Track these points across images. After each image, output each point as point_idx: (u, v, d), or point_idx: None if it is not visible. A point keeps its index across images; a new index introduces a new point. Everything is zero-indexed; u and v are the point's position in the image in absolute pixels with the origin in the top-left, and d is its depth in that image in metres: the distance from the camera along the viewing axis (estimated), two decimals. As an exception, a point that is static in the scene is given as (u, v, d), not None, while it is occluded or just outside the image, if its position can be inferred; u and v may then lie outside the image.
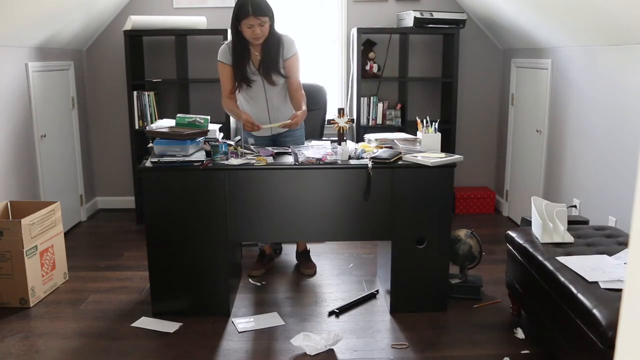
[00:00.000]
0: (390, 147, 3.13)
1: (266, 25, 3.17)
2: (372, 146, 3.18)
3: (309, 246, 3.90)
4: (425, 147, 3.15)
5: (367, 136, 3.36)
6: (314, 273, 3.68)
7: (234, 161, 2.96)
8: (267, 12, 3.16)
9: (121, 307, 3.21)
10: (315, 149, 3.13)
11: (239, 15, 3.16)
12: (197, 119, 3.06)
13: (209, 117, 3.11)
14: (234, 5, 3.22)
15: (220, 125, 3.36)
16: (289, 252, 4.06)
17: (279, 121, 3.31)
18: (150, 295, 3.06)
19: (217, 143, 3.03)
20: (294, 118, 3.20)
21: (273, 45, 3.26)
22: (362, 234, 3.12)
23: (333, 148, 3.12)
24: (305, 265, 3.72)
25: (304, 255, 3.77)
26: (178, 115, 3.12)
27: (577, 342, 2.20)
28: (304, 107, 3.31)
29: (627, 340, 0.68)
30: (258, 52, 3.28)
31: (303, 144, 3.47)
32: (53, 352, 2.72)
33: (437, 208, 2.99)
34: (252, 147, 3.25)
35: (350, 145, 3.19)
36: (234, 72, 3.30)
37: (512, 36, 4.56)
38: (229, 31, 3.23)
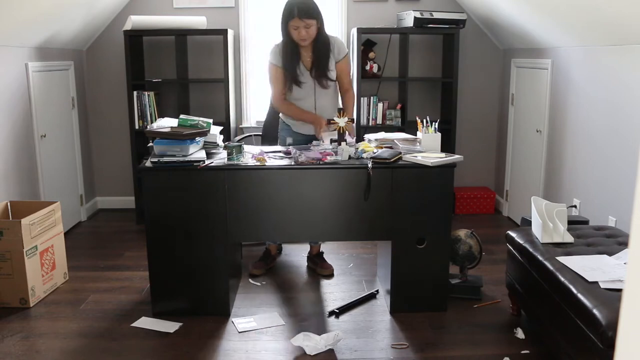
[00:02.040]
0: (390, 147, 3.13)
1: (312, 28, 3.22)
2: (372, 146, 3.18)
3: (322, 247, 3.91)
4: (425, 147, 3.15)
5: (367, 136, 3.36)
6: (332, 273, 3.68)
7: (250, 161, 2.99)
8: (314, 15, 3.20)
9: (121, 307, 3.21)
10: (316, 150, 3.13)
11: (286, 16, 3.22)
12: (200, 122, 3.06)
13: (211, 121, 3.12)
14: (283, 7, 3.27)
15: (221, 128, 3.36)
16: (289, 252, 4.06)
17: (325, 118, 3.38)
18: (150, 295, 3.06)
19: (239, 143, 3.06)
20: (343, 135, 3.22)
21: (322, 47, 3.32)
22: (362, 234, 3.12)
23: (333, 148, 3.13)
24: (322, 266, 3.71)
25: (318, 257, 3.78)
26: (181, 116, 3.12)
27: (577, 342, 2.20)
28: (352, 112, 3.45)
29: (627, 340, 0.68)
30: (308, 54, 3.34)
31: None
32: (53, 352, 2.72)
33: (437, 208, 2.99)
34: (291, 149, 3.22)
35: (349, 138, 3.19)
36: (284, 74, 3.35)
37: (512, 36, 4.56)
38: (281, 32, 3.32)
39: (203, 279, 3.03)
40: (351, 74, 3.50)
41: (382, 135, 3.35)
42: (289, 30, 3.24)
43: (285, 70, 3.34)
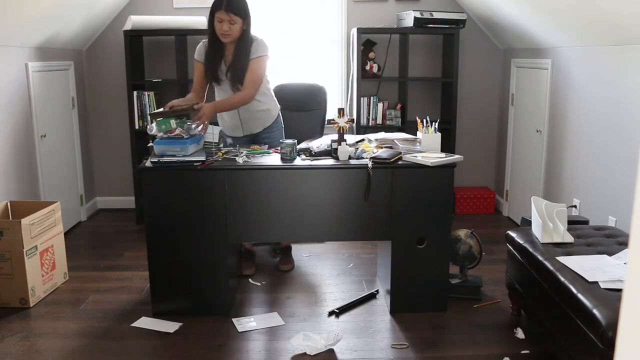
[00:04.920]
0: (390, 147, 3.13)
1: (237, 26, 3.14)
2: (372, 146, 3.17)
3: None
4: (426, 147, 3.15)
5: (367, 136, 3.36)
6: (292, 269, 3.74)
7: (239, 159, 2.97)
8: (240, 13, 3.12)
9: (121, 307, 3.21)
10: (321, 142, 3.14)
11: (213, 7, 3.16)
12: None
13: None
14: None
15: (220, 129, 3.35)
16: (289, 252, 4.06)
17: (251, 122, 3.36)
18: (150, 295, 3.06)
19: (293, 141, 3.05)
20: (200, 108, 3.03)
21: (243, 49, 3.22)
22: (362, 234, 3.12)
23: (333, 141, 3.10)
24: (283, 262, 3.75)
25: (284, 251, 3.81)
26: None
27: (577, 342, 2.20)
28: (225, 101, 3.22)
29: (627, 340, 0.68)
30: (230, 53, 3.26)
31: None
32: (53, 352, 2.72)
33: (437, 208, 2.99)
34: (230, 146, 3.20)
35: (349, 139, 3.19)
36: (205, 70, 3.29)
37: (512, 36, 4.56)
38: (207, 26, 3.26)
39: (203, 279, 3.03)
40: (258, 80, 3.27)
41: (382, 135, 3.35)
42: (214, 22, 3.17)
43: (206, 66, 3.28)
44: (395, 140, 3.18)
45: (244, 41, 3.22)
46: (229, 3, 3.10)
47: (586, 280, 2.28)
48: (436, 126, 3.22)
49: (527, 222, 3.13)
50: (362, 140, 3.23)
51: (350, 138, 3.26)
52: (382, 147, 3.14)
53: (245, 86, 3.23)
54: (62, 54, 4.52)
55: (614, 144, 3.27)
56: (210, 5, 3.20)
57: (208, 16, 3.22)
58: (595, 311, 2.06)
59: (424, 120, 3.27)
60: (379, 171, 2.94)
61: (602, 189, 3.41)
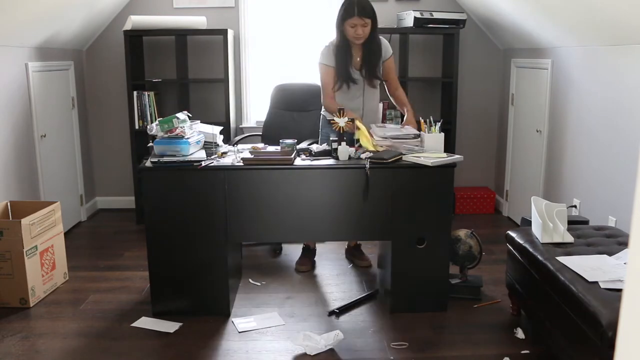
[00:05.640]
0: (391, 147, 3.13)
1: (368, 27, 3.27)
2: (372, 141, 3.12)
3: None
4: (429, 147, 3.14)
5: (373, 126, 3.34)
6: (370, 265, 3.78)
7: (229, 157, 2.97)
8: (371, 15, 3.27)
9: (121, 307, 3.21)
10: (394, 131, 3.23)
11: (344, 14, 3.27)
12: (174, 119, 3.00)
13: (183, 114, 3.07)
14: (340, 5, 3.34)
15: (221, 128, 3.36)
16: (289, 252, 4.06)
17: (370, 121, 3.46)
18: (150, 295, 3.06)
19: (291, 142, 3.06)
20: (409, 123, 3.37)
21: (374, 48, 3.37)
22: (362, 234, 3.12)
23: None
24: (360, 258, 3.82)
25: (357, 249, 3.88)
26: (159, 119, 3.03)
27: (577, 342, 2.20)
28: (409, 106, 3.51)
29: (627, 340, 0.68)
30: (358, 54, 3.39)
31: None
32: (53, 352, 2.72)
33: (437, 208, 2.99)
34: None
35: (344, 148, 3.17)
36: (335, 74, 3.38)
37: (512, 36, 4.56)
38: (335, 32, 3.39)
39: (203, 279, 3.03)
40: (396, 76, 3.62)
41: (387, 130, 3.31)
42: (345, 28, 3.28)
43: (337, 70, 3.38)
44: (395, 141, 3.17)
45: (374, 40, 3.37)
46: (361, 8, 3.23)
47: (586, 280, 2.28)
48: (439, 126, 3.22)
49: (527, 222, 3.13)
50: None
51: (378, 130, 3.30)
52: (383, 148, 3.13)
53: (397, 85, 3.59)
54: (62, 54, 4.52)
55: (614, 144, 3.27)
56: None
57: (336, 23, 3.34)
58: (595, 311, 2.06)
59: (427, 120, 3.27)
60: (379, 171, 2.94)
61: (602, 189, 3.41)
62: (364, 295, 3.30)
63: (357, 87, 3.43)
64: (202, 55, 4.92)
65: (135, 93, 4.60)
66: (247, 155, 2.99)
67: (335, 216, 3.00)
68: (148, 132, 3.06)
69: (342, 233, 3.09)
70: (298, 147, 3.17)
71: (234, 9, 4.87)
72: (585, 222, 3.19)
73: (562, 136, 3.92)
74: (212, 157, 3.04)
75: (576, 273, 2.36)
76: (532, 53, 4.40)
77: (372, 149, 3.09)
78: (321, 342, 2.68)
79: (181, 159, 2.91)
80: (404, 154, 3.04)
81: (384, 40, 3.47)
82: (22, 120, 3.89)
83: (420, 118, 3.43)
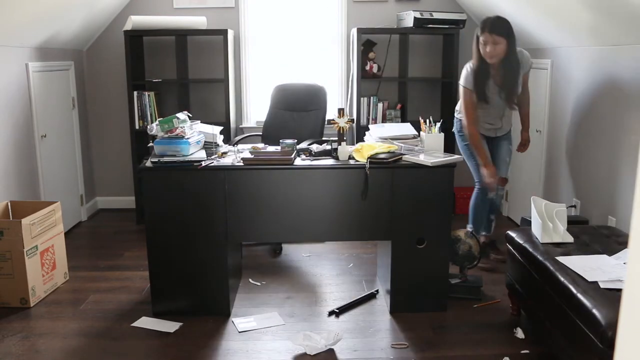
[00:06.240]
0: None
1: (501, 46, 3.26)
2: (375, 144, 3.14)
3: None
4: (429, 147, 3.15)
5: (371, 126, 3.34)
6: (504, 260, 3.72)
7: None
8: (503, 33, 3.24)
9: (121, 307, 3.21)
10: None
11: (478, 30, 3.30)
12: (174, 119, 3.00)
13: (183, 114, 3.07)
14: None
15: (221, 128, 3.36)
16: (289, 252, 4.06)
17: (506, 128, 3.61)
18: (150, 295, 3.07)
19: (291, 142, 3.06)
20: (525, 146, 3.71)
21: (512, 67, 3.35)
22: (362, 234, 3.12)
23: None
24: (497, 251, 3.84)
25: (492, 244, 3.90)
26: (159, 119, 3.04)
27: (577, 342, 2.20)
28: (527, 118, 3.70)
29: (627, 340, 0.68)
30: (497, 73, 3.39)
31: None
32: (53, 352, 2.72)
33: (437, 208, 2.99)
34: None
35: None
36: (475, 96, 3.41)
37: (512, 36, 4.55)
38: (473, 51, 3.45)
39: (203, 279, 3.03)
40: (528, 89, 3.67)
41: (385, 130, 3.32)
42: (479, 44, 3.30)
43: (475, 89, 3.40)
44: (395, 142, 3.17)
45: (511, 61, 3.34)
46: (492, 25, 3.23)
47: (586, 280, 2.28)
48: (439, 126, 3.22)
49: (527, 222, 3.13)
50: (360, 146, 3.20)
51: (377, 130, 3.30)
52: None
53: (528, 100, 3.65)
54: (62, 54, 4.53)
55: (613, 144, 3.27)
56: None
57: (474, 39, 3.35)
58: (595, 311, 2.06)
59: (427, 120, 3.27)
60: (379, 171, 2.94)
61: (602, 189, 3.41)
62: (364, 295, 3.30)
63: (494, 106, 3.45)
64: (202, 55, 4.92)
65: (135, 93, 4.60)
66: (247, 155, 2.99)
67: (335, 216, 3.00)
68: (148, 132, 3.06)
69: (342, 233, 3.09)
70: (298, 147, 3.17)
71: (234, 9, 4.87)
72: (585, 222, 3.19)
73: (562, 136, 3.92)
74: (212, 157, 3.05)
75: (576, 273, 2.36)
76: (531, 53, 4.38)
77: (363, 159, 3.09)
78: (321, 342, 2.68)
79: (181, 159, 2.91)
80: (404, 154, 3.04)
81: (525, 54, 3.44)
82: (22, 120, 3.90)
83: (421, 118, 3.44)
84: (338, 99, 5.05)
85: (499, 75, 3.39)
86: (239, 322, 3.00)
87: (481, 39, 3.27)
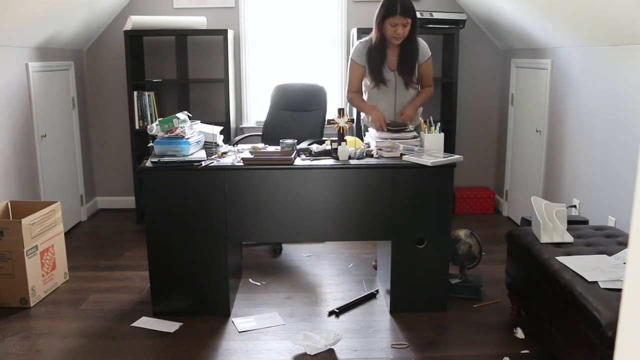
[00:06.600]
0: (391, 147, 3.13)
1: (408, 27, 3.23)
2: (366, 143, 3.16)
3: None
4: (429, 148, 3.15)
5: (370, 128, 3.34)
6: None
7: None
8: (412, 15, 3.23)
9: (121, 307, 3.21)
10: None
11: (385, 12, 3.21)
12: (174, 119, 3.00)
13: (183, 114, 3.07)
14: (380, 3, 3.26)
15: (221, 128, 3.36)
16: (289, 252, 4.07)
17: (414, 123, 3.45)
18: (150, 295, 3.07)
19: (291, 142, 3.06)
20: (404, 111, 3.35)
21: (412, 48, 3.33)
22: (362, 234, 3.12)
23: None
24: None
25: None
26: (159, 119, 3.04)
27: (577, 342, 2.20)
28: (418, 100, 3.43)
29: (626, 340, 0.68)
30: (394, 54, 3.34)
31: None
32: (53, 352, 2.72)
33: (437, 208, 2.99)
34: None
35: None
36: (367, 72, 3.36)
37: (512, 36, 4.56)
38: (374, 29, 3.32)
39: (203, 279, 3.03)
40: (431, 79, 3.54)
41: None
42: (385, 26, 3.23)
43: (369, 69, 3.34)
44: (395, 142, 3.17)
45: (412, 41, 3.32)
46: (403, 7, 3.18)
47: (586, 280, 2.28)
48: (439, 126, 3.22)
49: (527, 222, 3.13)
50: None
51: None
52: (382, 149, 3.13)
53: (430, 83, 3.49)
54: (62, 54, 4.53)
55: (613, 144, 3.27)
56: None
57: (376, 21, 3.27)
58: (595, 311, 2.06)
59: (427, 121, 3.27)
60: (379, 171, 2.94)
61: (602, 189, 3.41)
62: (364, 295, 3.30)
63: (389, 88, 3.39)
64: (202, 56, 4.92)
65: (135, 93, 4.60)
66: (247, 155, 2.99)
67: (335, 216, 3.00)
68: (148, 132, 3.06)
69: (342, 233, 3.09)
70: (298, 147, 3.17)
71: (234, 9, 4.87)
72: (585, 222, 3.19)
73: (561, 136, 3.92)
74: (212, 157, 3.05)
75: (576, 273, 2.36)
76: (531, 53, 4.40)
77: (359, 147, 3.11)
78: (321, 342, 2.68)
79: (181, 159, 2.91)
80: (404, 154, 3.04)
81: (422, 43, 3.41)
82: (22, 120, 3.90)
83: (421, 118, 3.44)
84: (338, 99, 5.05)
85: (394, 57, 3.34)
86: (239, 322, 3.00)
87: (390, 20, 3.20)
